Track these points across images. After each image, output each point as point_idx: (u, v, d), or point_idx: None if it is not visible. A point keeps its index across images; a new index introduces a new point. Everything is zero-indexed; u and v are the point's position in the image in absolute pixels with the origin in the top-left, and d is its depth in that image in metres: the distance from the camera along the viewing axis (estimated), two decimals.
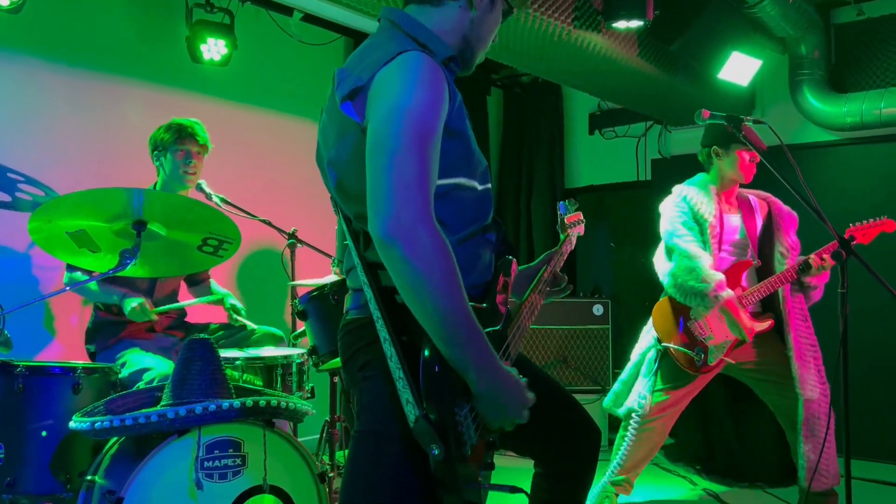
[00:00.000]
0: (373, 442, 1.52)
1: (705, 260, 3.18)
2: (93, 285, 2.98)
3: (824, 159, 4.92)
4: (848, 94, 4.75)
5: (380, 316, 1.47)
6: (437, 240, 1.37)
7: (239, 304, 3.24)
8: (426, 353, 1.40)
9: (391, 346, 1.44)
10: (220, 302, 3.17)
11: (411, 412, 1.39)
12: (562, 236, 2.10)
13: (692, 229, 3.26)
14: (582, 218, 2.18)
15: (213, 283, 3.47)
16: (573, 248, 2.09)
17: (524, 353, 1.74)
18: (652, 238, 5.34)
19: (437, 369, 1.40)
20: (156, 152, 3.14)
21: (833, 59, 4.91)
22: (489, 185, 1.65)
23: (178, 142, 3.09)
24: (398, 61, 1.46)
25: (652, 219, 5.38)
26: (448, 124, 1.49)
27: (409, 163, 1.38)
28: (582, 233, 2.16)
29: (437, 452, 1.37)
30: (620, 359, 5.22)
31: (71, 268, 2.85)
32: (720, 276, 3.16)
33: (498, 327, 1.61)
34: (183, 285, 3.41)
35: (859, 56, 4.83)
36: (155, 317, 2.96)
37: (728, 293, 3.14)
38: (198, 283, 3.43)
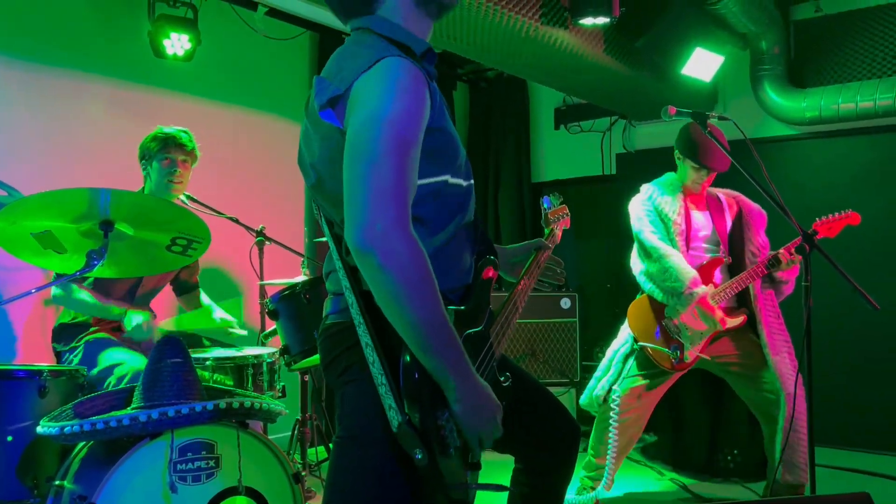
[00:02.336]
0: (356, 446, 1.51)
1: (676, 258, 3.24)
2: (88, 297, 2.89)
3: (784, 153, 5.03)
4: (807, 89, 4.85)
5: (362, 321, 1.46)
6: (414, 249, 1.36)
7: (228, 318, 3.21)
8: (406, 358, 1.40)
9: (373, 352, 1.43)
10: (209, 317, 3.15)
11: (394, 418, 1.39)
12: (546, 231, 2.10)
13: (658, 227, 3.32)
14: (567, 212, 2.18)
15: (203, 294, 3.42)
16: (559, 241, 2.10)
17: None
18: (618, 232, 5.43)
19: (416, 375, 1.40)
20: (143, 161, 3.09)
21: (792, 54, 5.01)
22: (472, 182, 1.64)
23: (163, 150, 3.03)
24: (377, 68, 1.43)
25: (618, 212, 5.47)
26: (431, 122, 1.48)
27: (386, 171, 1.36)
28: (568, 226, 2.16)
29: (420, 457, 1.38)
30: (588, 351, 5.29)
31: (61, 278, 2.59)
32: (693, 274, 3.21)
33: (480, 328, 1.61)
34: (168, 288, 3.37)
35: (818, 52, 4.94)
36: (157, 336, 2.85)
37: (702, 290, 3.19)
38: (187, 290, 3.38)
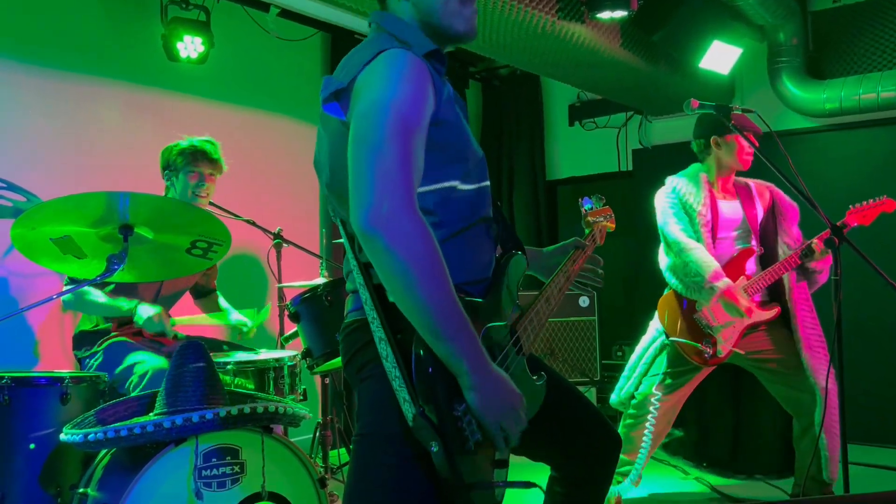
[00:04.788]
0: (373, 444, 1.49)
1: (698, 251, 3.17)
2: (99, 297, 2.86)
3: (804, 146, 4.96)
4: (826, 80, 4.78)
5: (375, 316, 1.45)
6: (422, 229, 1.34)
7: (243, 319, 3.18)
8: (420, 351, 1.38)
9: (387, 346, 1.41)
10: (223, 319, 3.13)
11: (408, 410, 1.37)
12: (586, 231, 2.06)
13: (682, 219, 3.26)
14: (611, 213, 2.14)
15: (221, 298, 3.39)
16: (601, 243, 2.05)
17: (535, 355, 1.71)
18: (636, 228, 5.37)
19: (430, 368, 1.37)
20: (167, 171, 3.05)
21: (811, 46, 4.94)
22: (486, 183, 1.62)
23: (190, 164, 3.00)
24: (379, 59, 1.45)
25: (636, 209, 5.42)
26: (436, 115, 1.47)
27: (390, 153, 1.35)
28: (613, 228, 2.12)
29: (436, 449, 1.35)
30: (608, 350, 5.24)
31: (75, 282, 2.60)
32: (713, 267, 3.14)
33: (503, 322, 1.57)
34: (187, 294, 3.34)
35: (836, 43, 4.87)
36: (172, 330, 2.84)
37: (724, 283, 3.12)
38: (204, 294, 3.36)
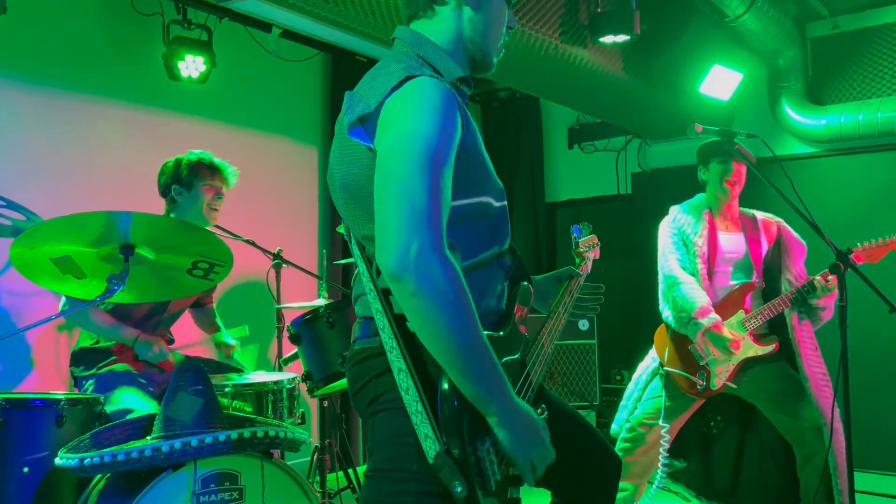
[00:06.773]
0: (388, 481, 1.44)
1: (686, 286, 3.14)
2: (101, 320, 2.80)
3: (804, 171, 4.95)
4: (826, 105, 4.80)
5: (395, 345, 1.40)
6: (451, 272, 1.30)
7: (231, 341, 3.13)
8: (444, 386, 1.34)
9: (407, 378, 1.37)
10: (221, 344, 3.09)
11: (431, 448, 1.32)
12: (577, 260, 2.06)
13: (680, 249, 3.24)
14: (597, 241, 2.14)
15: (217, 317, 3.36)
16: (589, 271, 2.05)
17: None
18: (635, 251, 5.37)
19: (456, 403, 1.33)
20: (175, 186, 2.94)
21: (810, 71, 4.96)
22: (504, 203, 1.59)
23: (206, 178, 2.93)
24: (407, 87, 1.41)
25: (635, 232, 5.42)
26: (463, 143, 1.44)
27: (419, 191, 1.32)
28: (598, 256, 2.12)
29: (460, 490, 1.30)
30: (607, 374, 5.21)
31: (73, 301, 2.57)
32: (700, 304, 3.10)
33: (517, 356, 1.55)
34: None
35: (836, 68, 4.89)
36: (172, 358, 2.80)
37: (709, 319, 3.09)
38: (200, 305, 3.32)
